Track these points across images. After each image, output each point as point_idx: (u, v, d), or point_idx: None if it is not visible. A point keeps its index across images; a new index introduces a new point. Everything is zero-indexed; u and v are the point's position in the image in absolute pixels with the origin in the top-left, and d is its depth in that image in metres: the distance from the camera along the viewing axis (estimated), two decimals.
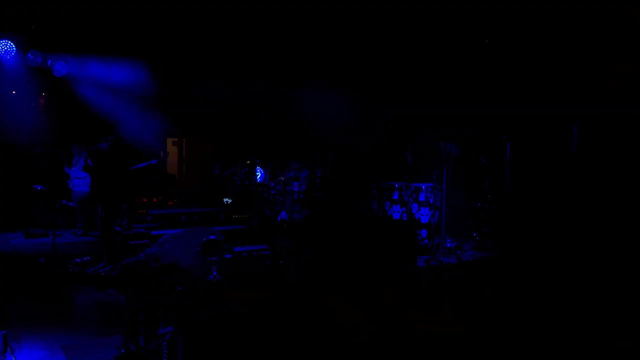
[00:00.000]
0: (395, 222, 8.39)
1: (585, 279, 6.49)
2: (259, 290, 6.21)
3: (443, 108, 9.24)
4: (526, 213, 8.30)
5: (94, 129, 9.22)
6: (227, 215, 7.43)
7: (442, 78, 9.70)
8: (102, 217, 7.35)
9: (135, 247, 6.40)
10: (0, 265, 7.65)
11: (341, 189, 9.60)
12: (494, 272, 7.37)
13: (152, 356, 4.11)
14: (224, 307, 5.43)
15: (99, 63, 10.05)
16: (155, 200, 7.09)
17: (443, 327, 5.06)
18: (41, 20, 8.51)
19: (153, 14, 8.21)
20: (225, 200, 7.95)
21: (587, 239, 7.31)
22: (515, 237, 8.12)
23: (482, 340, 4.76)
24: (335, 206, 9.18)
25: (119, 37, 9.11)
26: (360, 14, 8.41)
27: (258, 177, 10.12)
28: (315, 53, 9.83)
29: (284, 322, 5.13)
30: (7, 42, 8.98)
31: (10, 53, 9.04)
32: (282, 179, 9.61)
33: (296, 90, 10.31)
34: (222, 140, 11.83)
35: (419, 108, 9.60)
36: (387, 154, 9.57)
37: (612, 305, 5.60)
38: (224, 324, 4.60)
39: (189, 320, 4.19)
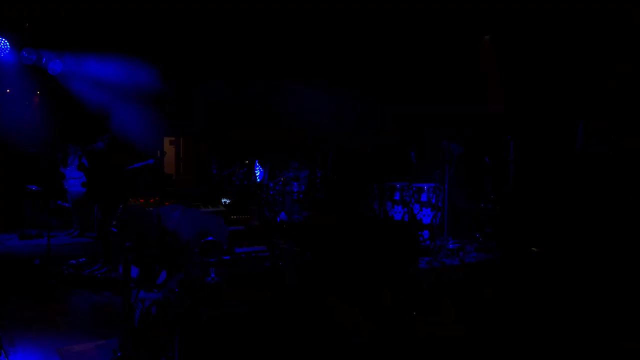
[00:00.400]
0: (396, 222, 8.29)
1: (589, 279, 6.44)
2: (258, 291, 6.12)
3: (444, 108, 9.17)
4: (530, 213, 8.23)
5: (89, 128, 9.10)
6: (226, 216, 7.32)
7: (444, 77, 9.64)
8: (98, 218, 7.24)
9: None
10: None
11: (341, 189, 9.51)
12: (497, 274, 7.30)
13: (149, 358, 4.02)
14: (223, 308, 5.33)
15: (95, 61, 9.93)
16: (152, 200, 6.97)
17: (444, 327, 5.02)
18: (36, 17, 8.41)
19: (151, 12, 8.15)
20: (223, 200, 7.85)
21: (591, 240, 7.26)
22: (518, 238, 8.05)
23: (484, 341, 4.73)
24: (335, 206, 9.09)
25: (115, 34, 9.02)
26: (360, 14, 8.37)
27: (257, 177, 10.00)
28: (315, 53, 9.77)
29: (283, 323, 5.05)
30: (1, 40, 8.86)
31: (5, 51, 8.92)
32: (282, 179, 9.49)
33: (296, 90, 10.23)
34: (220, 139, 11.71)
35: (419, 108, 9.53)
36: (388, 153, 9.49)
37: (616, 306, 5.56)
38: (223, 325, 4.52)
39: (188, 320, 4.11)
